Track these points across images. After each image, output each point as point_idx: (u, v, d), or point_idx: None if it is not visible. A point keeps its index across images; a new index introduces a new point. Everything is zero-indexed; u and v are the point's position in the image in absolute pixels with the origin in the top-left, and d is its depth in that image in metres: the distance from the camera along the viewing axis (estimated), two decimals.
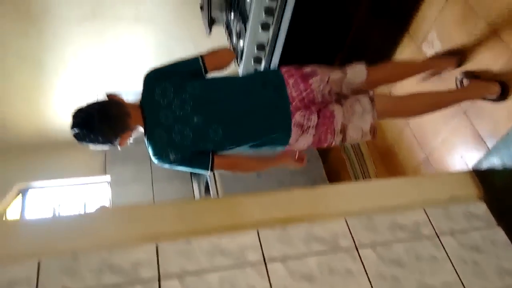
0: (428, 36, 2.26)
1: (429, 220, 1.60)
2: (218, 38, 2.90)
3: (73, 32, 2.92)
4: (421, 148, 2.37)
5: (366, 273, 1.42)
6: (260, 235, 1.46)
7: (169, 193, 3.69)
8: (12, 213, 3.38)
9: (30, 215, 3.50)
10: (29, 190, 3.58)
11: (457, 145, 2.08)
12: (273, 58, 2.37)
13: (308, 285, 1.38)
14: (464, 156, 2.03)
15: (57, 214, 3.44)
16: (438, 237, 1.55)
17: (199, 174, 3.86)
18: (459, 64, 2.01)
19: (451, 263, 1.48)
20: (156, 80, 1.61)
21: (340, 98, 1.69)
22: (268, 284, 1.35)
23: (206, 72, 1.63)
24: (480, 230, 1.60)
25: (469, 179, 1.77)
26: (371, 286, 1.39)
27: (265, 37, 2.26)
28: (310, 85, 1.61)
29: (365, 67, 1.72)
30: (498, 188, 1.68)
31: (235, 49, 2.56)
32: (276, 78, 1.65)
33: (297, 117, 1.58)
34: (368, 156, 2.99)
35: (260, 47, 2.30)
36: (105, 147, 1.58)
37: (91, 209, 3.62)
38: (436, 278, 1.43)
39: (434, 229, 1.57)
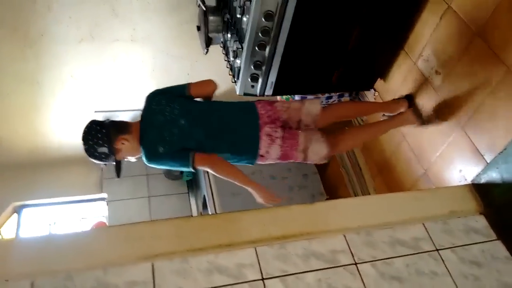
0: (423, 53, 2.30)
1: (429, 235, 1.58)
2: (215, 57, 2.93)
3: (71, 52, 2.95)
4: (419, 162, 2.37)
5: None
6: (258, 252, 1.44)
7: (166, 209, 3.66)
8: (7, 232, 3.34)
9: (25, 234, 3.45)
10: (25, 208, 3.55)
11: (456, 160, 2.08)
12: (269, 76, 2.38)
13: None
14: (463, 171, 2.03)
15: (52, 232, 3.40)
16: (438, 252, 1.53)
17: (196, 190, 3.84)
18: (410, 106, 2.40)
19: (451, 278, 1.46)
20: (153, 96, 2.03)
21: (302, 126, 2.13)
22: None
23: (191, 97, 2.04)
24: (480, 244, 1.58)
25: (468, 194, 1.76)
26: None
27: (261, 56, 2.29)
28: (275, 107, 2.09)
29: (319, 103, 2.17)
30: (497, 202, 1.67)
31: (232, 67, 2.58)
32: (248, 103, 2.10)
33: (266, 129, 2.00)
34: (366, 171, 2.98)
35: (257, 65, 2.32)
36: (106, 154, 1.85)
37: (88, 226, 3.58)
38: None
39: (434, 244, 1.55)
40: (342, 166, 3.27)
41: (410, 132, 2.46)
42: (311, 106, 2.13)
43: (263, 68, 2.35)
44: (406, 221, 1.61)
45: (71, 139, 3.54)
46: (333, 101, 2.95)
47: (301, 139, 2.04)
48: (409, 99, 2.42)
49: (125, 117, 3.47)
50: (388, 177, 2.72)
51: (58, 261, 1.34)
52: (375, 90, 2.79)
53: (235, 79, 2.53)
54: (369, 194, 2.90)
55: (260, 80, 2.42)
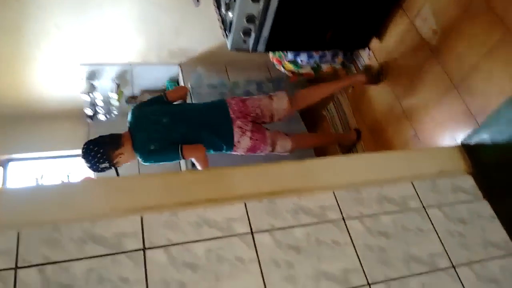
0: (422, 11, 2.23)
1: (417, 193, 1.60)
2: (206, 10, 2.82)
3: (56, 2, 2.80)
4: (411, 124, 2.37)
5: (353, 244, 1.41)
6: (247, 207, 1.44)
7: (155, 167, 3.62)
8: None
9: (11, 187, 3.42)
10: (10, 162, 3.50)
11: (447, 121, 2.08)
12: (263, 30, 2.31)
13: (295, 255, 1.37)
14: (453, 132, 2.03)
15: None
16: (425, 209, 1.56)
17: None
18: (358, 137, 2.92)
19: (437, 234, 1.49)
20: (137, 107, 2.34)
21: (275, 119, 2.48)
22: (255, 254, 1.33)
23: (169, 102, 2.36)
24: (467, 203, 1.61)
25: (458, 154, 1.77)
26: (358, 256, 1.39)
27: (255, 9, 2.20)
28: (247, 104, 2.38)
29: (287, 96, 2.49)
30: (486, 163, 1.69)
31: (223, 20, 2.48)
32: (221, 101, 2.39)
33: (238, 122, 2.30)
34: (350, 114, 3.07)
35: (250, 19, 2.24)
36: (108, 167, 2.17)
37: (75, 180, 3.55)
38: (422, 249, 1.44)
39: (421, 202, 1.58)
40: (326, 109, 3.36)
41: (402, 93, 2.44)
42: (279, 102, 2.46)
43: (256, 22, 2.27)
44: (395, 180, 1.63)
45: (57, 92, 3.44)
46: (326, 60, 2.89)
47: (269, 134, 2.39)
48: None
49: (112, 72, 3.38)
50: (378, 138, 2.73)
51: (45, 212, 1.33)
52: (369, 49, 2.73)
53: (226, 33, 2.45)
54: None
55: (252, 35, 2.35)
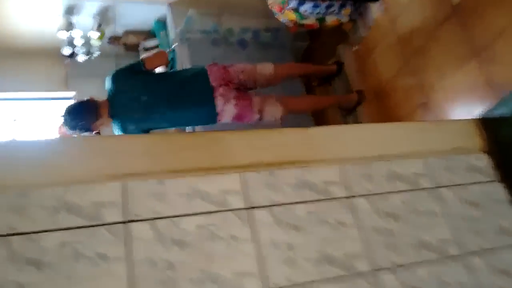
0: None
1: (429, 171, 1.46)
2: None
3: None
4: (422, 91, 2.19)
5: (359, 226, 1.29)
6: (244, 178, 1.28)
7: None
8: None
9: None
10: None
11: (464, 92, 1.91)
12: None
13: (295, 234, 1.24)
14: (470, 105, 1.87)
15: (13, 131, 3.15)
16: (437, 190, 1.43)
17: None
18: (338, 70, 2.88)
19: (449, 219, 1.37)
20: (116, 76, 2.24)
21: (258, 86, 2.44)
22: (252, 233, 1.20)
23: (147, 71, 2.27)
24: (481, 184, 1.49)
25: (474, 129, 1.62)
26: (362, 240, 1.27)
27: None
28: (229, 70, 2.31)
29: (272, 64, 2.45)
30: (504, 141, 1.55)
31: None
32: (199, 69, 2.30)
33: (221, 90, 2.20)
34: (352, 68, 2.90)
35: None
36: (88, 132, 2.18)
37: (52, 128, 3.31)
38: (432, 234, 1.33)
39: (434, 181, 1.44)
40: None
41: (414, 55, 2.24)
42: (264, 67, 2.41)
43: None
44: (406, 155, 1.48)
45: (32, 27, 3.10)
46: (332, 11, 2.63)
47: (256, 100, 2.26)
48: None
49: (92, 8, 3.03)
50: (382, 104, 2.56)
51: (11, 175, 1.14)
52: (383, 1, 2.48)
53: None
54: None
55: None
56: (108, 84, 2.24)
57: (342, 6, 2.61)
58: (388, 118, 2.43)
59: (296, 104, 2.51)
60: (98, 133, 2.22)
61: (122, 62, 3.53)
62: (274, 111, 2.28)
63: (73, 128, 2.14)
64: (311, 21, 2.67)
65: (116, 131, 2.21)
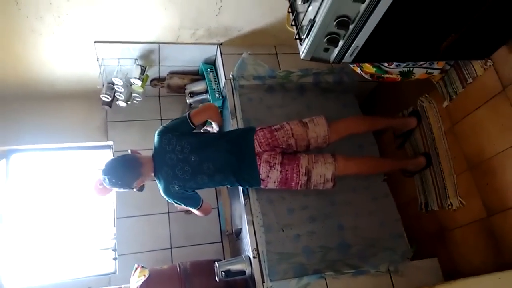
0: None
1: None
2: None
3: None
4: None
5: None
6: None
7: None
8: None
9: (15, 182, 2.91)
10: (14, 153, 2.95)
11: None
12: (357, 38, 1.58)
13: None
14: None
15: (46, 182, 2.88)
16: None
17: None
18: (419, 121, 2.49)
19: None
20: (163, 133, 2.19)
21: (312, 148, 2.23)
22: None
23: (194, 127, 2.24)
24: None
25: None
26: None
27: (353, 9, 1.46)
28: (276, 136, 2.15)
29: (326, 124, 2.21)
30: None
31: (296, 16, 1.73)
32: (247, 131, 2.22)
33: (265, 156, 2.11)
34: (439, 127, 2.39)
35: (342, 23, 1.50)
36: (126, 189, 2.18)
37: (90, 181, 3.00)
38: None
39: None
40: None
41: None
42: (316, 130, 2.19)
43: (351, 27, 1.53)
44: None
45: (66, 71, 2.79)
46: (422, 65, 2.14)
47: (303, 162, 2.11)
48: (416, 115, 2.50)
49: (131, 52, 2.67)
50: (484, 181, 2.07)
51: None
52: (489, 59, 1.98)
53: (300, 35, 1.71)
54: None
55: (340, 43, 1.62)
56: (155, 140, 2.20)
57: (431, 63, 2.12)
58: (492, 202, 1.94)
59: (354, 167, 2.23)
60: (142, 188, 2.23)
61: (166, 103, 3.21)
62: (323, 171, 2.10)
63: (113, 185, 2.12)
64: (394, 75, 2.19)
65: (160, 189, 2.19)
